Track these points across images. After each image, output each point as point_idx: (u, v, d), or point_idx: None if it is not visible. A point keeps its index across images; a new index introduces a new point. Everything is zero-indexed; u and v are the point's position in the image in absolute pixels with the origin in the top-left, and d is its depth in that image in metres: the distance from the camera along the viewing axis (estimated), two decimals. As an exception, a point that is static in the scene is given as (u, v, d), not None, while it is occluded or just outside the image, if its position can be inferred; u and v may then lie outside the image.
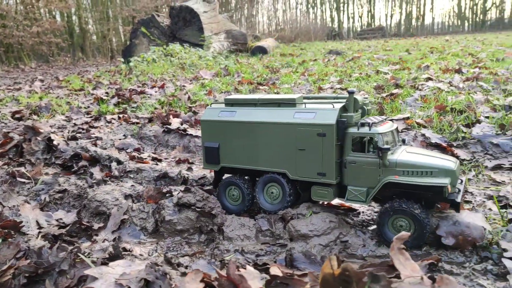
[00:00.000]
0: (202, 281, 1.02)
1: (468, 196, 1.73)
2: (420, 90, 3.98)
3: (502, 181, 1.84)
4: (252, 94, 1.86)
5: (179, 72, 6.67)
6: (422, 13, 25.10)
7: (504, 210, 1.54)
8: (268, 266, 1.27)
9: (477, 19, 24.02)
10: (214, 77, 5.83)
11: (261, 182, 1.64)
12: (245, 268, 1.15)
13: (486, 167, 2.04)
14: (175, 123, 3.09)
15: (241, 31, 11.45)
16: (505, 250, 1.26)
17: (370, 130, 1.40)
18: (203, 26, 9.44)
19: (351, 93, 1.45)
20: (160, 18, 9.97)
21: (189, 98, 4.04)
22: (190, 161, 2.54)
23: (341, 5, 25.80)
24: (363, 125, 1.44)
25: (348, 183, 1.48)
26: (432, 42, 13.57)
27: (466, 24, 25.00)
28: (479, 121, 2.55)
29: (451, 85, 4.06)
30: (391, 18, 26.10)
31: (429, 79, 4.69)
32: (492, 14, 24.60)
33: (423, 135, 2.36)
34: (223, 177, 1.77)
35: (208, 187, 1.99)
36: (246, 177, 1.73)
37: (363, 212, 1.69)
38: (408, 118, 2.78)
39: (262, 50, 10.45)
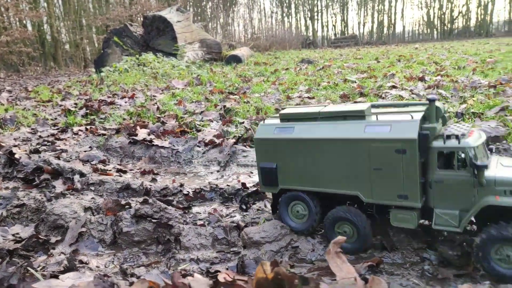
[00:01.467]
0: (148, 289, 1.05)
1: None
2: (383, 98, 4.13)
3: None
4: (312, 106, 1.69)
5: (151, 82, 6.66)
6: (393, 22, 25.88)
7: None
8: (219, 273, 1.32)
9: (445, 28, 24.94)
10: (186, 87, 5.85)
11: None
12: (192, 276, 1.19)
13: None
14: (142, 134, 3.11)
15: (215, 40, 11.53)
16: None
17: (459, 143, 1.20)
18: (176, 35, 9.46)
19: (432, 100, 1.26)
20: (133, 27, 9.94)
21: (158, 108, 4.05)
22: (155, 172, 2.57)
23: (315, 14, 26.31)
24: (449, 137, 1.23)
25: (435, 206, 1.28)
26: (402, 50, 13.98)
27: (435, 32, 25.91)
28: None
29: (412, 93, 4.23)
30: (363, 27, 26.71)
31: (393, 87, 4.87)
32: (459, 23, 25.59)
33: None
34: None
35: (169, 198, 2.02)
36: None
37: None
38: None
39: (237, 59, 10.54)
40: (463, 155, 1.21)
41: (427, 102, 1.27)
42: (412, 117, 1.26)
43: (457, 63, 7.29)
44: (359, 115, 1.36)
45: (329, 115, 1.41)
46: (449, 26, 25.03)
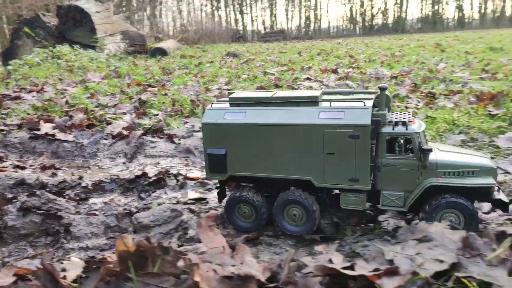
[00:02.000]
0: (15, 275, 1.05)
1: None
2: (296, 89, 4.34)
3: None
4: (261, 91, 1.68)
5: (66, 75, 6.31)
6: (319, 17, 26.95)
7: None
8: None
9: (366, 24, 26.54)
10: (103, 80, 5.63)
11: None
12: (69, 260, 1.21)
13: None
14: (45, 128, 2.96)
15: (139, 32, 11.17)
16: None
17: (407, 129, 1.29)
18: (95, 26, 9.01)
19: (383, 89, 1.33)
20: (47, 17, 9.27)
21: (67, 102, 3.87)
22: (57, 166, 2.48)
23: (244, 8, 26.52)
24: (396, 123, 1.31)
25: (383, 188, 1.35)
26: (325, 45, 14.65)
27: (358, 28, 27.46)
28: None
29: (322, 84, 4.50)
30: (291, 22, 27.49)
31: (308, 79, 5.13)
32: (379, 19, 27.37)
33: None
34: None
35: (66, 190, 1.98)
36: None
37: (212, 200, 1.84)
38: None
39: (162, 52, 10.32)
40: (417, 141, 1.30)
41: (375, 91, 1.35)
42: (364, 104, 1.31)
43: (370, 56, 7.84)
44: (312, 101, 1.37)
45: (282, 100, 1.41)
46: (369, 22, 26.66)
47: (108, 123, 3.27)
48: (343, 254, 1.23)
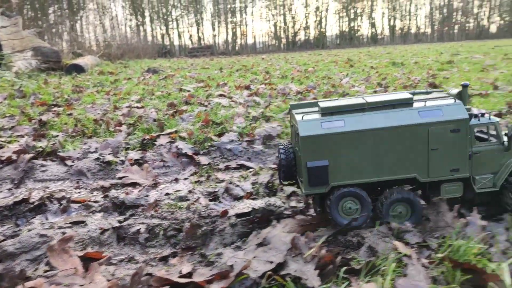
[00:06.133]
0: None
1: (191, 195, 2.08)
2: (206, 106, 4.46)
3: (222, 179, 2.27)
4: (348, 98, 1.70)
5: (-39, 96, 5.81)
6: (245, 33, 27.69)
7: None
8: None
9: (289, 40, 27.81)
10: (4, 100, 5.29)
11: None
12: None
13: (220, 169, 2.48)
14: None
15: (53, 48, 10.63)
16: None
17: (490, 119, 1.47)
18: (1, 42, 8.43)
19: (465, 86, 1.48)
20: None
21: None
22: None
23: (170, 23, 26.41)
24: (477, 116, 1.46)
25: (474, 174, 1.49)
26: (249, 61, 15.09)
27: (282, 44, 28.66)
28: (228, 131, 3.05)
29: (232, 100, 4.67)
30: (219, 37, 27.90)
31: (221, 95, 5.29)
32: (301, 36, 28.83)
33: (176, 146, 2.70)
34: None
35: None
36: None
37: (91, 222, 1.85)
38: (175, 132, 3.12)
39: (79, 68, 9.91)
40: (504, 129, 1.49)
41: (460, 88, 1.50)
42: (455, 101, 1.44)
43: (285, 72, 8.27)
44: (408, 103, 1.45)
45: (378, 104, 1.45)
46: (292, 38, 27.97)
47: (1, 147, 3.10)
48: (202, 264, 1.34)
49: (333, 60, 12.09)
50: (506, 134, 1.48)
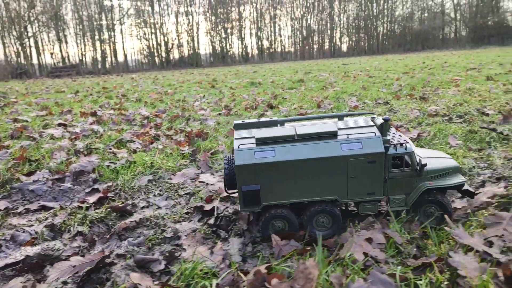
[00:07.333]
0: None
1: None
2: (34, 139, 4.15)
3: (16, 225, 2.15)
4: (282, 128, 1.75)
5: None
6: (114, 51, 26.54)
7: None
8: None
9: (163, 59, 27.60)
10: None
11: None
12: None
13: (18, 213, 2.34)
14: None
15: None
16: None
17: (406, 149, 1.62)
18: None
19: (386, 120, 1.62)
20: None
21: None
22: None
23: (26, 40, 23.85)
24: (395, 146, 1.62)
25: (389, 194, 1.69)
26: (117, 81, 14.53)
27: (157, 62, 28.27)
28: (41, 169, 2.90)
29: (66, 131, 4.44)
30: (86, 56, 26.21)
31: (61, 124, 4.97)
32: (175, 54, 28.87)
33: None
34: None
35: None
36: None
37: None
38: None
39: None
40: (416, 158, 1.66)
41: (367, 112, 1.67)
42: (375, 134, 1.60)
43: (142, 96, 8.19)
44: (333, 135, 1.61)
45: (306, 137, 1.61)
46: (166, 57, 27.81)
47: None
48: None
49: (199, 80, 12.40)
50: (417, 163, 1.69)
